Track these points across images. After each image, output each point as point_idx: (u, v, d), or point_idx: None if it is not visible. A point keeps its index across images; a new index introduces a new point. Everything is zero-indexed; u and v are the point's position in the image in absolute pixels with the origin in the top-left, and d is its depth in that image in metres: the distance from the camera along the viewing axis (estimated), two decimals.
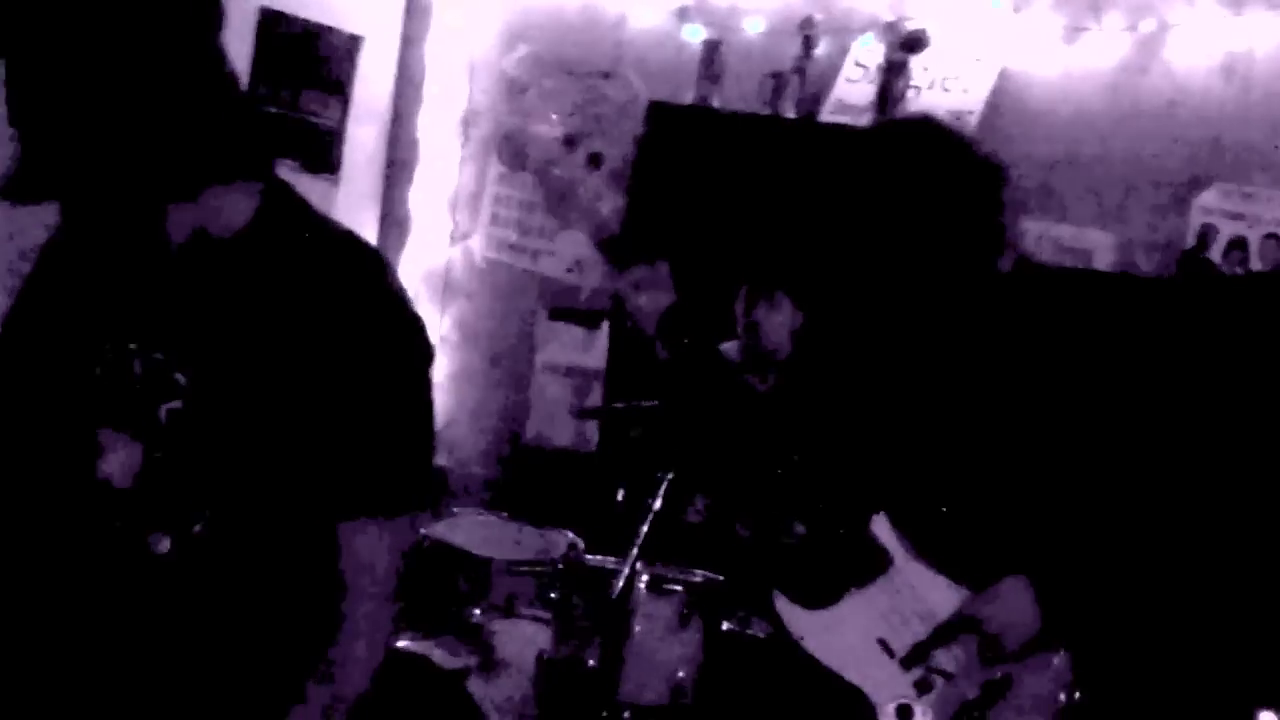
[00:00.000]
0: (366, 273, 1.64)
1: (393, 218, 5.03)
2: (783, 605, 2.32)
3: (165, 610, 1.62)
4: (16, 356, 1.72)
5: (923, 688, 2.22)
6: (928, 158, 2.24)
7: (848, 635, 2.27)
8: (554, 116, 2.05)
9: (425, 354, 1.68)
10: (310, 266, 1.61)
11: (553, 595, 3.49)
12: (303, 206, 1.68)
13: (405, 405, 1.65)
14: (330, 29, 4.67)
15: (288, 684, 1.65)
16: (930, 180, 2.22)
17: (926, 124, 2.37)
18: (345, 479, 1.61)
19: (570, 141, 2.12)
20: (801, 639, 2.29)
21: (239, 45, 4.47)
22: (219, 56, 1.56)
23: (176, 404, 1.59)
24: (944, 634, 2.22)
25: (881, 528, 2.29)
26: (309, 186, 4.60)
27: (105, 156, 1.50)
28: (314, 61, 4.66)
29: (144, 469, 1.60)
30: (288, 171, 4.52)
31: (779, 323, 3.47)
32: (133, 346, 1.61)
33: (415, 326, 1.67)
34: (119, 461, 1.61)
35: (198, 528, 1.60)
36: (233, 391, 1.58)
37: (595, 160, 2.11)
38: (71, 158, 1.50)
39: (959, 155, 2.26)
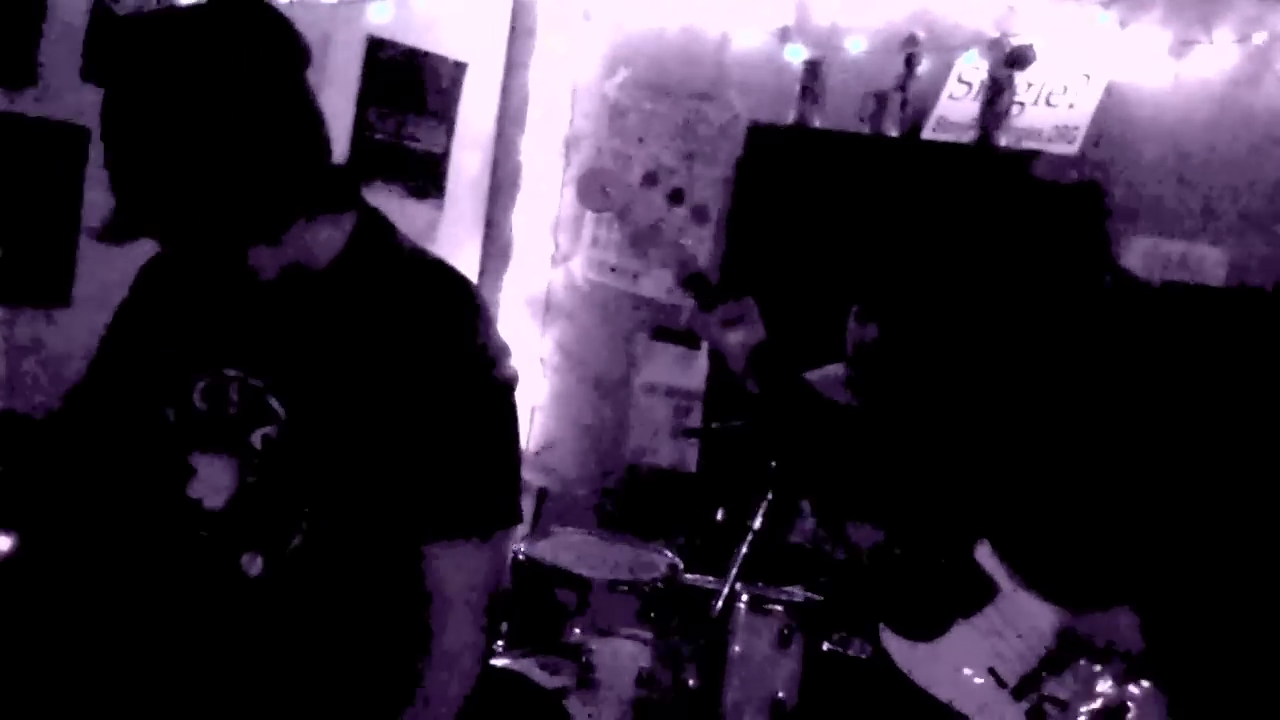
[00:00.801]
0: (454, 300, 1.66)
1: (496, 241, 5.09)
2: (890, 639, 2.30)
3: (257, 630, 1.65)
4: (112, 380, 1.77)
5: (1036, 716, 2.18)
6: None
7: (958, 666, 2.24)
8: (633, 154, 2.05)
9: (510, 378, 1.69)
10: (400, 294, 1.63)
11: (653, 614, 3.49)
12: (393, 235, 1.71)
13: (490, 430, 1.66)
14: (436, 56, 4.75)
15: (378, 705, 1.67)
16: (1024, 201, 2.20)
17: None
18: (432, 502, 1.63)
19: (651, 179, 2.12)
20: (910, 671, 2.26)
21: (347, 73, 4.58)
22: (304, 96, 1.57)
23: (270, 430, 1.62)
24: (1056, 660, 2.18)
25: (985, 556, 2.26)
26: (415, 211, 4.74)
27: (192, 201, 1.52)
28: (419, 88, 4.74)
29: (238, 493, 1.64)
30: (394, 196, 4.66)
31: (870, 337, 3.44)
32: (231, 373, 1.65)
33: (501, 352, 1.68)
34: (212, 485, 1.64)
35: (290, 549, 1.62)
36: (326, 418, 1.61)
37: (677, 196, 2.11)
38: (160, 201, 1.52)
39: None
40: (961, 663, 2.24)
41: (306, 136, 1.57)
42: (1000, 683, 2.21)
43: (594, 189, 2.15)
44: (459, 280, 1.69)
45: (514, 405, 1.71)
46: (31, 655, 1.87)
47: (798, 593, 3.42)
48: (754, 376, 2.16)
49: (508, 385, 1.69)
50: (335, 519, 1.62)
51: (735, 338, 2.14)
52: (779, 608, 3.33)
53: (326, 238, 1.64)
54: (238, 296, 1.66)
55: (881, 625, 2.32)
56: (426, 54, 4.72)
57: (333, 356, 1.62)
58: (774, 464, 3.27)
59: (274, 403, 1.62)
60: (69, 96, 3.57)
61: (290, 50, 1.56)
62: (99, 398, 1.78)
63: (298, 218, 1.59)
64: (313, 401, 1.61)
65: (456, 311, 1.65)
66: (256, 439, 1.63)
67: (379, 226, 1.70)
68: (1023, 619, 2.22)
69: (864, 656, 3.13)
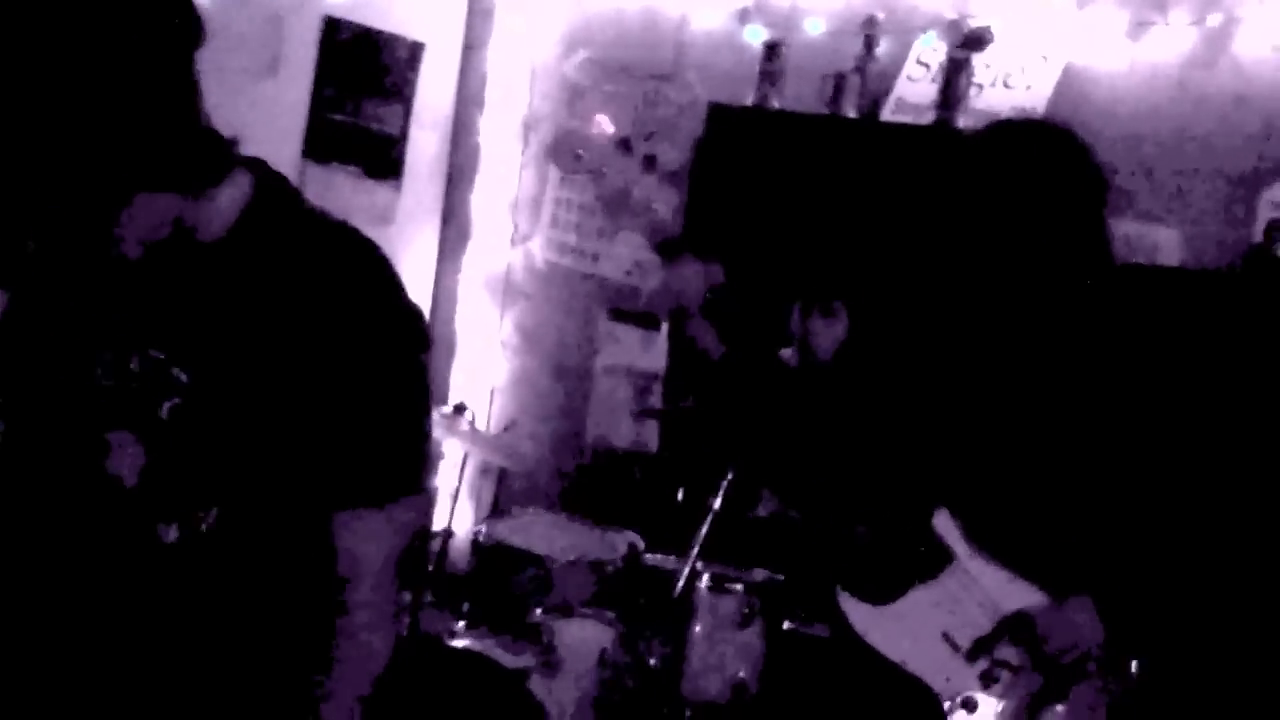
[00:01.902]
0: (360, 263, 1.64)
1: (454, 222, 5.07)
2: (846, 601, 2.32)
3: (172, 601, 1.65)
4: (16, 361, 1.74)
5: (988, 680, 2.22)
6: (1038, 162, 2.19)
7: (911, 629, 2.27)
8: (605, 118, 2.04)
9: (419, 342, 1.68)
10: (303, 258, 1.62)
11: (614, 595, 3.50)
12: (295, 198, 1.68)
13: (398, 394, 1.65)
14: (392, 36, 4.72)
15: (296, 669, 1.67)
16: (1039, 185, 2.18)
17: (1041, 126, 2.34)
18: (341, 469, 1.62)
19: (625, 144, 2.12)
20: (865, 634, 2.29)
21: (303, 53, 4.54)
22: (157, 63, 1.49)
23: (177, 401, 1.61)
24: (1008, 629, 2.21)
25: (944, 523, 2.28)
26: (372, 192, 4.71)
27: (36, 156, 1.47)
28: (376, 69, 4.71)
29: (148, 465, 1.62)
30: (351, 178, 4.63)
31: (834, 336, 3.46)
32: (134, 347, 1.63)
33: (410, 316, 1.67)
34: (126, 459, 1.63)
35: (204, 521, 1.62)
36: (231, 386, 1.60)
37: (651, 162, 2.11)
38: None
39: (1067, 159, 2.20)
40: (915, 626, 2.27)
41: (148, 102, 1.49)
42: (954, 647, 2.24)
43: (567, 150, 2.15)
44: (364, 243, 1.67)
45: (424, 371, 1.70)
46: None
47: (758, 572, 3.44)
48: (711, 321, 2.18)
49: (417, 350, 1.68)
50: (247, 488, 1.62)
51: (698, 284, 2.18)
52: (740, 587, 3.34)
53: (218, 203, 1.61)
54: (136, 269, 1.63)
55: (838, 588, 2.34)
56: (383, 34, 4.69)
57: (234, 322, 1.60)
58: (734, 442, 3.28)
59: (178, 373, 1.61)
60: None
61: (151, 14, 1.49)
62: (9, 380, 1.76)
63: (143, 187, 1.53)
64: (216, 369, 1.60)
65: (362, 275, 1.64)
66: (164, 410, 1.61)
67: (278, 190, 1.67)
68: (978, 585, 2.25)
69: (825, 635, 3.16)
